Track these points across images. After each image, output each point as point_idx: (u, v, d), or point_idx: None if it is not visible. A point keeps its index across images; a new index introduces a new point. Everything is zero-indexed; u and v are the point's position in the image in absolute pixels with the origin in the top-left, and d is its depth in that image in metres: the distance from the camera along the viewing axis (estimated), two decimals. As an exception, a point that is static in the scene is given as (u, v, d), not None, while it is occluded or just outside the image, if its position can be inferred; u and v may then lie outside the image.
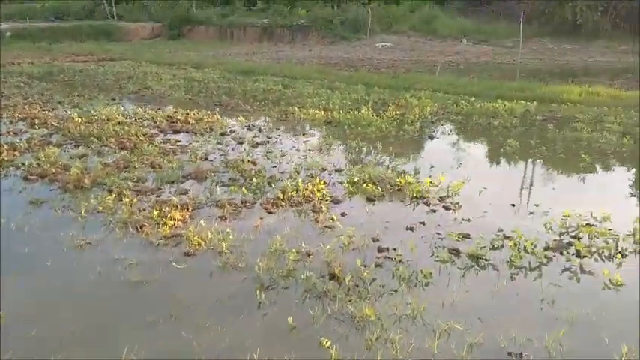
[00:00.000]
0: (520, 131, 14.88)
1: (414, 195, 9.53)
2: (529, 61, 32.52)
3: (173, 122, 15.12)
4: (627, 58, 32.84)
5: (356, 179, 10.12)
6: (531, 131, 14.89)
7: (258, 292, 6.05)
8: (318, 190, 9.30)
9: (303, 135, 14.01)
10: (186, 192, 9.45)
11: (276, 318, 5.67)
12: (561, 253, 7.35)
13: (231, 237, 7.45)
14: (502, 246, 7.49)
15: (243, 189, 9.41)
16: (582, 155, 12.36)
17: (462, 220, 8.51)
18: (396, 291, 6.25)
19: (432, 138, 14.11)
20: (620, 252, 7.37)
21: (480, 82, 23.00)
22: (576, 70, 29.52)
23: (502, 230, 8.02)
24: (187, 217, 8.24)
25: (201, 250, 7.18)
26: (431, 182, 10.03)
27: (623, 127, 14.79)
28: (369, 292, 6.17)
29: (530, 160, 12.44)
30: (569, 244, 7.61)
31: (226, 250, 7.05)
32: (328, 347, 5.14)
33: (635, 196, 10.25)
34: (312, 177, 10.26)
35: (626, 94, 19.56)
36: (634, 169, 11.85)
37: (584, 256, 7.26)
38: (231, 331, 5.51)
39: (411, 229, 8.10)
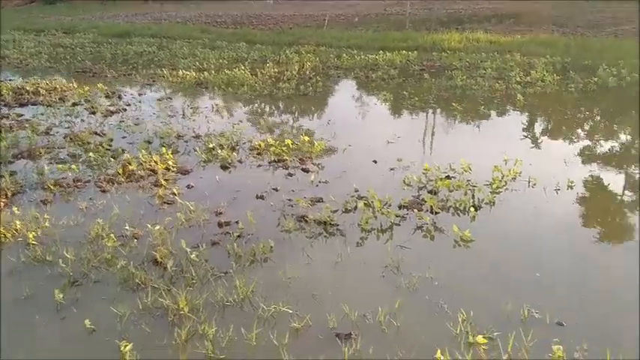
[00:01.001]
0: (397, 82, 14.48)
1: (273, 158, 8.79)
2: (418, 11, 32.42)
3: (21, 94, 13.48)
4: (513, 3, 33.47)
5: (212, 145, 9.24)
6: (408, 82, 14.52)
7: (57, 291, 5.10)
8: (164, 162, 8.34)
9: (168, 99, 12.87)
10: (13, 173, 8.21)
11: (75, 322, 4.79)
12: (417, 210, 6.85)
13: (47, 225, 6.40)
14: (355, 208, 6.91)
15: (74, 166, 8.29)
16: (453, 104, 12.08)
17: (319, 182, 7.89)
18: (226, 273, 5.51)
19: (305, 95, 13.37)
20: (474, 205, 6.99)
21: (365, 34, 22.48)
22: (463, 17, 29.68)
23: (358, 190, 7.46)
24: (2, 204, 7.07)
25: (7, 244, 6.11)
26: (293, 143, 9.33)
27: (498, 73, 14.70)
28: (195, 278, 5.39)
29: (401, 112, 12.03)
30: (425, 200, 7.15)
31: (34, 242, 6.01)
32: (126, 353, 4.33)
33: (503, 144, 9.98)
34: (166, 146, 9.26)
35: (504, 39, 19.66)
36: (502, 116, 11.71)
37: (437, 213, 6.82)
38: (17, 341, 4.58)
39: (262, 197, 7.39)
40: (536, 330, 4.55)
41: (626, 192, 7.91)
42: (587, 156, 9.34)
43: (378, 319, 4.74)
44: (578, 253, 5.88)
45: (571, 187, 7.63)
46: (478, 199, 7.28)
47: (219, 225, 6.55)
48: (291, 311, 4.87)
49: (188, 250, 5.72)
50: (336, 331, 4.64)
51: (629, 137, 10.58)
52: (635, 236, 6.40)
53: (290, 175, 8.20)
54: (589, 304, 4.96)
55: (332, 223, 6.54)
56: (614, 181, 8.24)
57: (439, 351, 4.24)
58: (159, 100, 12.78)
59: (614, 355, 4.24)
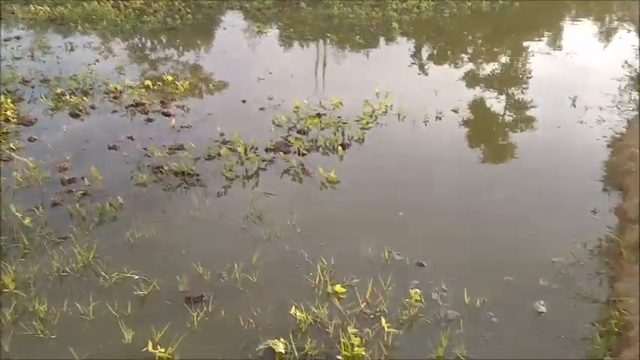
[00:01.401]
0: (273, 12, 13.76)
1: (131, 103, 8.00)
2: None
3: None
4: None
5: (60, 90, 8.25)
6: (284, 12, 13.84)
7: None
8: (2, 113, 7.32)
9: (16, 39, 11.41)
10: None
11: None
12: (283, 153, 6.47)
13: None
14: (219, 155, 6.41)
15: None
16: (329, 34, 11.65)
17: (182, 127, 7.27)
18: (65, 238, 4.89)
19: (173, 29, 12.37)
20: (342, 144, 6.71)
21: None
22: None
23: (223, 134, 6.94)
24: None
25: None
26: (154, 84, 8.56)
27: (375, 0, 14.32)
28: (29, 247, 4.73)
29: (275, 45, 11.46)
30: (296, 139, 6.77)
31: None
32: None
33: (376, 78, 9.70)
34: (7, 94, 8.15)
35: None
36: (375, 48, 11.45)
37: (304, 154, 6.49)
38: None
39: (115, 147, 6.68)
40: (396, 273, 4.40)
41: (507, 112, 8.02)
42: (470, 79, 9.36)
43: (234, 277, 4.39)
44: (443, 190, 5.79)
45: (439, 118, 7.54)
46: (348, 136, 7.01)
47: (62, 183, 5.86)
48: (137, 277, 4.40)
49: (19, 215, 5.01)
50: (186, 294, 4.22)
51: (507, 59, 10.70)
52: (512, 157, 6.47)
53: (149, 120, 7.51)
54: (451, 242, 4.88)
55: (191, 172, 6.03)
56: (495, 103, 8.29)
57: (293, 307, 3.94)
58: (5, 40, 11.29)
59: (471, 294, 4.15)
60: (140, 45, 11.40)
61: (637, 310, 3.74)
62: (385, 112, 7.70)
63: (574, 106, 7.85)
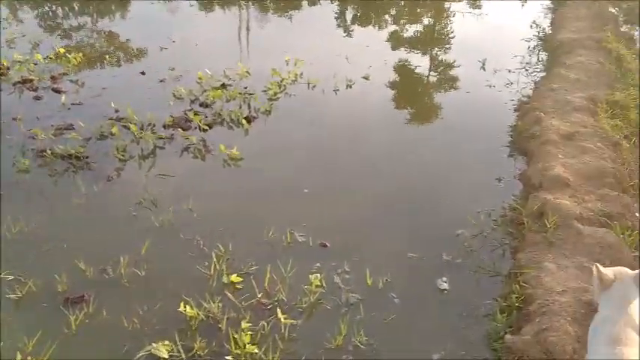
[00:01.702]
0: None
1: (18, 79, 7.27)
2: None
3: None
4: None
5: None
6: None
7: None
8: None
9: None
10: None
11: None
12: (182, 130, 6.04)
13: None
14: (112, 134, 5.90)
15: None
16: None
17: (72, 104, 6.66)
18: None
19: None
20: (247, 117, 6.35)
21: None
22: None
23: (118, 111, 6.41)
24: None
25: None
26: (46, 57, 7.83)
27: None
28: None
29: (179, 8, 10.80)
30: (196, 114, 6.34)
31: None
32: None
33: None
34: None
35: None
36: (298, 10, 11.01)
37: (205, 130, 6.10)
38: None
39: (-5, 130, 6.02)
40: (298, 257, 4.15)
41: (432, 73, 7.86)
42: (393, 41, 9.13)
43: (120, 272, 4.01)
44: (349, 163, 5.57)
45: (350, 87, 7.29)
46: (254, 108, 6.65)
47: None
48: (11, 277, 3.94)
49: None
50: (66, 294, 3.82)
51: (431, 21, 10.53)
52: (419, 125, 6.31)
53: (38, 98, 6.86)
54: (356, 219, 4.68)
55: (80, 155, 5.52)
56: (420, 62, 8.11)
57: (182, 303, 3.63)
58: None
59: (373, 274, 3.96)
60: (34, 10, 10.44)
61: (536, 283, 3.65)
62: (294, 81, 7.37)
63: (483, 69, 7.77)
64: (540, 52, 8.32)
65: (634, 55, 7.96)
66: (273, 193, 5.01)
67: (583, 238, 4.04)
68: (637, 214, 4.88)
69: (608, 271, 2.63)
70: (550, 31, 9.25)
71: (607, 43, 7.84)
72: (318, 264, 4.10)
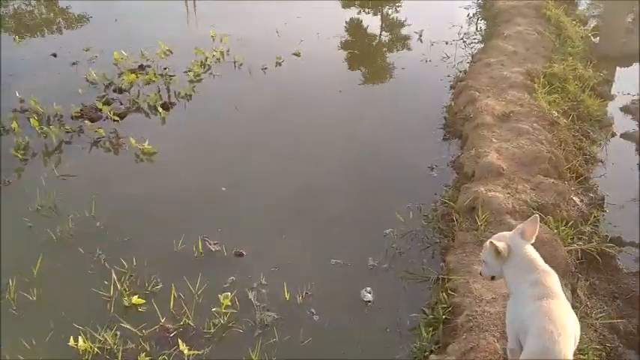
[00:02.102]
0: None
1: None
2: None
3: None
4: None
5: None
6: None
7: None
8: None
9: None
10: None
11: None
12: (89, 122, 5.49)
13: None
14: (10, 130, 5.31)
15: None
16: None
17: (-31, 94, 5.98)
18: None
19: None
20: (165, 103, 5.82)
21: None
22: None
23: (23, 101, 5.79)
24: None
25: None
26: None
27: None
28: None
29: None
30: (107, 102, 5.78)
31: None
32: None
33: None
34: None
35: None
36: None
37: (116, 120, 5.56)
38: None
39: None
40: (209, 270, 3.75)
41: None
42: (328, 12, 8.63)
43: (8, 298, 3.54)
44: (272, 154, 5.15)
45: (279, 64, 6.81)
46: (174, 92, 6.12)
47: None
48: None
49: None
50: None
51: None
52: (348, 113, 5.90)
53: None
54: (276, 221, 4.30)
55: (-30, 156, 4.92)
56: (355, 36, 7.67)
57: (72, 338, 3.19)
58: None
59: (292, 286, 3.61)
60: None
61: (465, 290, 3.37)
62: (219, 59, 6.83)
63: (420, 41, 7.39)
64: (479, 21, 7.96)
65: (574, 22, 7.71)
66: (187, 193, 4.57)
67: (515, 236, 3.75)
68: (573, 197, 4.67)
69: (500, 244, 2.61)
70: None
71: (546, 10, 7.54)
72: (232, 277, 3.72)
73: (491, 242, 2.62)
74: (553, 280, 2.54)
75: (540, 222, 3.87)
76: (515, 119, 5.18)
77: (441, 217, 4.21)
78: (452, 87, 6.19)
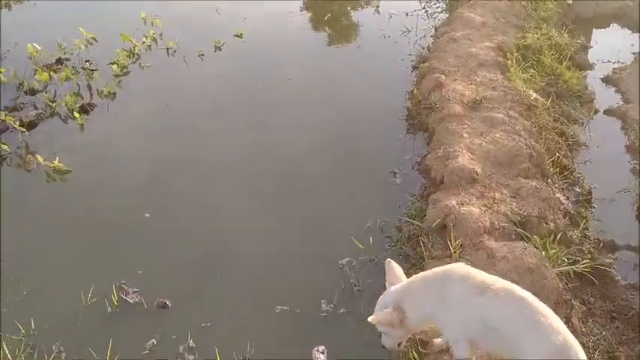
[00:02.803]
0: None
1: None
2: None
3: None
4: None
5: None
6: None
7: None
8: None
9: None
10: None
11: None
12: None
13: None
14: None
15: None
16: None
17: None
18: None
19: None
20: (83, 106, 4.96)
21: None
22: None
23: None
24: None
25: None
26: None
27: None
28: None
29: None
30: (14, 109, 4.91)
31: None
32: None
33: None
34: None
35: None
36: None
37: (24, 131, 4.68)
38: None
39: None
40: (125, 330, 3.00)
41: (317, 24, 6.63)
42: None
43: None
44: (207, 169, 4.35)
45: (219, 49, 5.96)
46: (97, 90, 5.24)
47: None
48: None
49: None
50: None
51: None
52: (296, 114, 5.11)
53: None
54: (212, 255, 3.55)
55: None
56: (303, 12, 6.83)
57: None
58: None
59: (227, 347, 2.89)
60: None
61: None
62: (149, 46, 5.94)
63: (378, 12, 6.57)
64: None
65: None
66: (102, 223, 3.78)
67: (495, 264, 3.11)
68: (558, 195, 4.03)
69: (385, 313, 2.45)
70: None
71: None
72: (153, 340, 2.99)
73: (376, 319, 2.44)
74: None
75: (524, 241, 3.24)
76: (488, 106, 4.48)
77: (408, 239, 3.51)
78: (414, 67, 5.43)
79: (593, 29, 7.24)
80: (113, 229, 3.72)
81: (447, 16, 6.37)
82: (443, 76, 4.79)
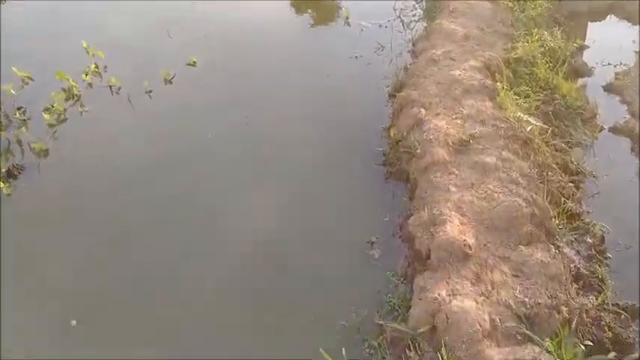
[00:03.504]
0: None
1: None
2: None
3: None
4: None
5: None
6: None
7: None
8: None
9: None
10: None
11: None
12: None
13: None
14: None
15: None
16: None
17: None
18: None
19: None
20: (10, 169, 4.27)
21: None
22: None
23: None
24: None
25: None
26: None
27: None
28: None
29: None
30: None
31: None
32: None
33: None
34: None
35: None
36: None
37: None
38: None
39: None
40: None
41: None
42: None
43: None
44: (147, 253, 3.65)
45: (169, 81, 5.23)
46: (28, 145, 4.53)
47: None
48: None
49: None
50: None
51: None
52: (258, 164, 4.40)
53: None
54: None
55: None
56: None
57: None
58: None
59: None
60: None
61: None
62: (90, 84, 5.22)
63: (348, 24, 5.83)
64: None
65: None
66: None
67: (500, 384, 2.44)
68: (566, 251, 3.39)
69: None
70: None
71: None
72: None
73: None
74: None
75: (533, 344, 2.59)
76: (478, 148, 3.81)
77: (391, 343, 2.83)
78: (391, 96, 4.71)
79: (589, 22, 6.54)
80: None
81: (425, 24, 5.62)
82: (423, 111, 4.09)
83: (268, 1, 6.59)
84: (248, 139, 4.43)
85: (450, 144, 3.82)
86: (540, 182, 3.71)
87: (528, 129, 4.06)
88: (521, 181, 3.56)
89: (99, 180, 4.20)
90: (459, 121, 4.02)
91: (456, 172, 3.64)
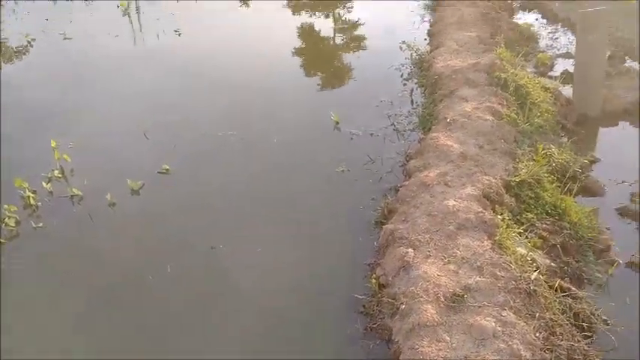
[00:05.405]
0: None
1: None
2: None
3: None
4: None
5: None
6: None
7: None
8: None
9: None
10: None
11: None
12: None
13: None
14: None
15: None
16: None
17: None
18: None
19: None
20: None
21: None
22: None
23: None
24: None
25: None
26: None
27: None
28: None
29: None
30: None
31: None
32: None
33: None
34: None
35: None
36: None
37: None
38: None
39: None
40: None
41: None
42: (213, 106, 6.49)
43: None
44: None
45: (137, 192, 4.74)
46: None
47: None
48: None
49: None
50: None
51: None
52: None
53: None
54: None
55: None
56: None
57: None
58: None
59: None
60: None
61: None
62: (51, 193, 4.75)
63: (338, 129, 5.37)
64: (414, 92, 5.95)
65: (536, 80, 5.81)
66: None
67: None
68: None
69: None
70: (427, 52, 6.89)
71: (500, 72, 5.60)
72: None
73: None
74: None
75: None
76: (473, 305, 3.21)
77: None
78: (378, 223, 4.17)
79: (599, 127, 6.06)
80: None
81: (420, 137, 5.13)
82: (411, 252, 3.54)
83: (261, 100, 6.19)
84: (210, 279, 3.86)
85: (442, 299, 3.24)
86: (546, 350, 3.10)
87: (533, 277, 3.48)
88: (524, 354, 2.95)
89: (42, 316, 3.64)
90: (452, 267, 3.46)
91: (447, 338, 3.05)
